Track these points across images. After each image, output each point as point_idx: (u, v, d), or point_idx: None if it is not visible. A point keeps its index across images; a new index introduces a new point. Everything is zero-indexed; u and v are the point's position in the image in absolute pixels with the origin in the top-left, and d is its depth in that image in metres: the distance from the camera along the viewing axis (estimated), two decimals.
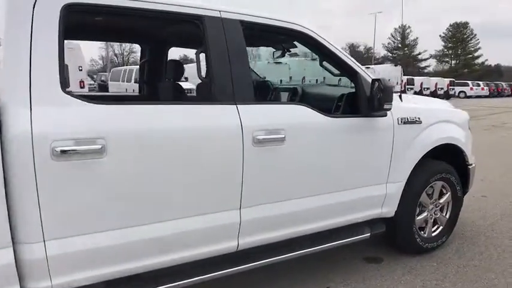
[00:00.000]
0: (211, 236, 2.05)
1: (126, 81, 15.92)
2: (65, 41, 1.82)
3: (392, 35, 68.62)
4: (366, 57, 63.56)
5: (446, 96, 31.45)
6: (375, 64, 34.40)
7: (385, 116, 2.59)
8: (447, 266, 2.91)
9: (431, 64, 68.94)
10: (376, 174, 2.64)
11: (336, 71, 2.69)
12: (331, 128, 2.36)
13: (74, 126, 1.64)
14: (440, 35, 68.18)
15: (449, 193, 3.13)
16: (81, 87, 11.83)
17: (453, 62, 68.19)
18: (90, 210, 1.69)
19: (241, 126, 2.02)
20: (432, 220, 3.11)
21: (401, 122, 2.68)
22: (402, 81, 25.72)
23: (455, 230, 3.52)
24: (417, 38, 67.35)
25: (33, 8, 1.60)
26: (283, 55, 3.11)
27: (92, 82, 23.61)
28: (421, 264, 2.92)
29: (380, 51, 69.30)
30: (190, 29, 2.11)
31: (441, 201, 3.12)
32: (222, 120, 1.99)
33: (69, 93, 1.69)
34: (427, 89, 29.36)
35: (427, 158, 2.97)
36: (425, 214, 3.04)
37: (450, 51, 68.32)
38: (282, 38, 2.88)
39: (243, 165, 2.04)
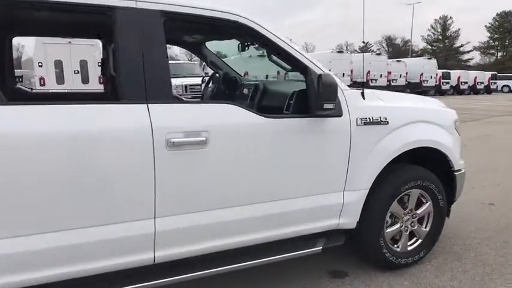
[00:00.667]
0: (123, 247, 1.88)
1: None
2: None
3: (432, 27, 65.49)
4: (403, 50, 61.08)
5: (488, 91, 29.51)
6: (413, 57, 32.70)
7: (340, 115, 2.30)
8: (419, 285, 2.57)
9: (475, 56, 65.09)
10: (329, 182, 2.35)
11: (288, 66, 2.42)
12: (268, 130, 2.10)
13: None
14: (485, 26, 64.06)
15: (429, 203, 2.77)
16: (100, 83, 12.05)
17: (499, 54, 63.92)
18: None
19: (151, 128, 1.81)
20: (408, 233, 2.76)
21: (362, 122, 2.37)
22: (437, 75, 24.40)
23: (444, 243, 3.16)
24: (459, 29, 63.89)
25: None
26: (242, 49, 2.85)
27: None
28: (388, 282, 2.60)
29: (419, 44, 66.42)
30: (102, 20, 1.92)
31: (419, 211, 2.77)
32: (125, 122, 1.79)
33: None
34: (465, 83, 27.63)
35: (400, 163, 2.64)
36: (397, 226, 2.70)
37: (496, 43, 64.04)
38: (218, 31, 2.63)
39: (155, 171, 1.84)
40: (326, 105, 2.06)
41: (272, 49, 2.31)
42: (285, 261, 2.33)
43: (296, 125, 2.18)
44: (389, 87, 21.64)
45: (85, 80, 11.84)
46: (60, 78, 11.44)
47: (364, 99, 2.44)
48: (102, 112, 1.78)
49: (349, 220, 2.46)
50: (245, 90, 3.10)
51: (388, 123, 2.46)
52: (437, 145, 2.69)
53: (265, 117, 2.11)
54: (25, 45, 14.34)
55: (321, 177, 2.31)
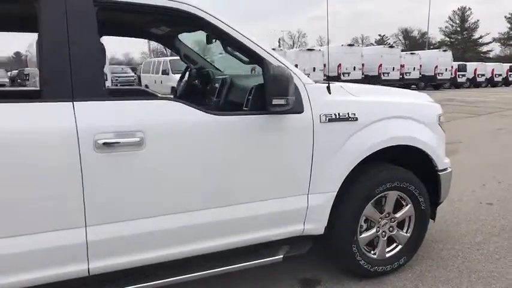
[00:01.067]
0: (53, 257, 1.73)
1: (155, 73, 16.08)
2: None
3: (450, 18, 63.58)
4: (420, 42, 59.58)
5: (506, 83, 28.50)
6: (430, 49, 31.72)
7: (301, 112, 2.10)
8: None
9: (494, 48, 62.92)
10: (290, 184, 2.15)
11: (245, 58, 2.22)
12: (217, 128, 1.92)
13: None
14: (505, 16, 61.81)
15: (409, 205, 2.54)
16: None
17: None
18: None
19: (76, 128, 1.66)
20: (386, 238, 2.54)
21: (326, 119, 2.16)
22: (452, 67, 23.64)
23: (430, 247, 2.93)
24: (478, 20, 61.80)
25: None
26: (208, 42, 2.66)
27: (132, 74, 24.31)
28: None
29: (436, 36, 64.67)
30: (25, 9, 1.77)
31: (398, 215, 2.54)
32: (47, 123, 1.63)
33: None
34: (482, 75, 26.67)
35: (375, 163, 2.43)
36: (373, 231, 2.48)
37: None
38: (168, 22, 2.45)
39: (82, 176, 1.68)
40: (275, 101, 1.86)
41: (225, 40, 2.12)
42: (252, 270, 2.16)
43: (250, 123, 1.99)
44: (402, 80, 21.09)
45: None
46: None
47: (330, 93, 2.22)
48: (21, 112, 1.63)
49: (316, 225, 2.26)
50: (216, 85, 2.92)
51: (357, 119, 2.24)
52: (416, 143, 2.45)
53: (214, 114, 1.93)
54: (33, 44, 14.44)
55: (280, 179, 2.11)
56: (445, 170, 2.65)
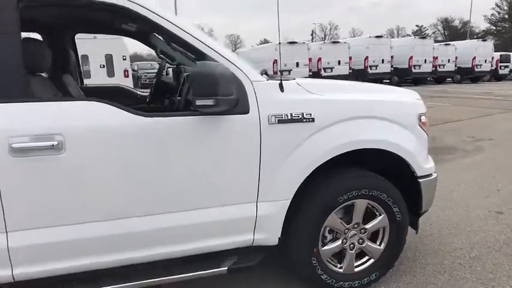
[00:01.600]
0: None
1: None
2: None
3: (497, 5, 59.52)
4: (461, 32, 56.46)
5: None
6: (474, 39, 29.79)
7: (246, 112, 1.90)
8: None
9: None
10: (233, 191, 1.96)
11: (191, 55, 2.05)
12: (147, 131, 1.76)
13: None
14: None
15: (382, 216, 2.28)
16: (126, 76, 12.29)
17: None
18: None
19: None
20: (354, 251, 2.30)
21: (276, 120, 1.94)
22: (493, 58, 22.11)
23: (415, 261, 2.65)
24: None
25: None
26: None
27: None
28: None
29: (480, 25, 60.96)
30: None
31: (369, 226, 2.29)
32: None
33: None
34: None
35: (345, 168, 2.19)
36: (338, 243, 2.25)
37: None
38: (103, 18, 2.31)
39: None
40: (200, 102, 1.68)
41: (165, 35, 1.98)
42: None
43: (181, 125, 1.82)
44: (435, 73, 20.01)
45: (110, 73, 12.12)
46: (86, 72, 11.78)
47: (282, 91, 2.01)
48: None
49: (268, 236, 2.06)
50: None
51: (313, 120, 2.01)
52: (387, 146, 2.18)
53: (142, 116, 1.78)
54: None
55: (223, 185, 1.92)
56: (427, 176, 2.36)
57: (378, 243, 2.34)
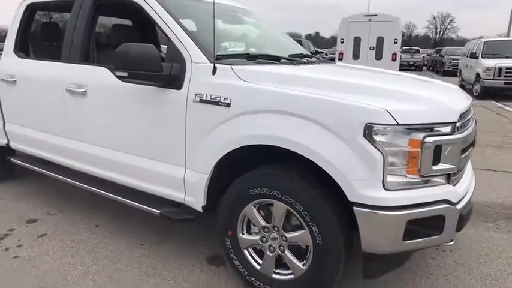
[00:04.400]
0: None
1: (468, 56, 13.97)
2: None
3: None
4: None
5: None
6: None
7: (180, 88, 2.24)
8: None
9: None
10: (168, 151, 2.35)
11: None
12: (121, 92, 2.48)
13: None
14: None
15: (306, 231, 1.97)
16: (393, 60, 12.15)
17: None
18: None
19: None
20: (273, 255, 2.13)
21: (198, 99, 2.15)
22: None
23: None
24: None
25: None
26: None
27: None
28: None
29: None
30: None
31: (289, 235, 2.04)
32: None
33: None
34: None
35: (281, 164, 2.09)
36: (256, 238, 2.16)
37: None
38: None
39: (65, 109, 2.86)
40: (117, 73, 2.20)
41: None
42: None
43: (135, 90, 2.39)
44: None
45: (378, 56, 12.35)
46: (355, 54, 12.60)
47: (213, 74, 2.14)
48: None
49: (194, 200, 2.33)
50: None
51: (228, 105, 2.04)
52: (292, 146, 1.88)
53: (122, 81, 2.39)
54: None
55: (159, 144, 2.38)
56: (369, 207, 1.76)
57: (302, 261, 2.05)
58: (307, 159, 1.85)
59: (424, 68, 28.12)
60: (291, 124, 1.89)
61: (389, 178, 1.76)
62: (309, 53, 3.23)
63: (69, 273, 2.41)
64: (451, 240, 2.05)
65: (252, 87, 2.04)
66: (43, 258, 2.58)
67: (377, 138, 1.72)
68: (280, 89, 1.97)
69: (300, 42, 16.72)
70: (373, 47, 12.30)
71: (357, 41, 12.41)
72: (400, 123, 1.72)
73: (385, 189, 1.76)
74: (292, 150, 1.88)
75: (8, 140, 3.50)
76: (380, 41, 12.19)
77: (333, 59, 13.05)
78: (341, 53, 12.58)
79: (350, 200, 1.80)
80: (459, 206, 1.91)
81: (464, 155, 2.01)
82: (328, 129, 1.81)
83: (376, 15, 12.58)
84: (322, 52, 26.05)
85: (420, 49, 29.31)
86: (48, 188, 3.76)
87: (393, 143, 1.74)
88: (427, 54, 29.70)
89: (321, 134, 1.82)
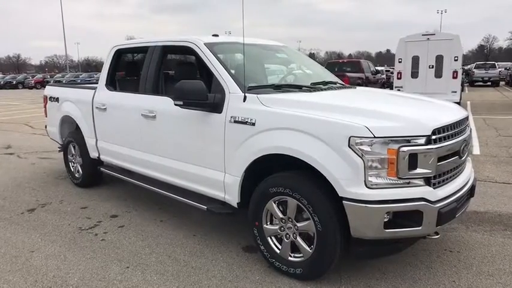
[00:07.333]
0: None
1: None
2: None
3: None
4: None
5: None
6: None
7: (220, 112, 2.97)
8: None
9: None
10: (211, 160, 3.07)
11: None
12: (179, 115, 3.27)
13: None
14: None
15: (310, 221, 2.53)
16: (454, 78, 11.91)
17: None
18: None
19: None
20: (289, 241, 2.70)
21: (232, 120, 2.85)
22: None
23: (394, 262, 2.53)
24: None
25: None
26: None
27: None
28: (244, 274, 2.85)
29: None
30: None
31: (299, 225, 2.61)
32: None
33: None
34: None
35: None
36: (276, 228, 2.76)
37: None
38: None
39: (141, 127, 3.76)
40: (176, 102, 2.98)
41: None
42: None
43: (189, 115, 3.17)
44: None
45: (438, 73, 12.19)
46: (415, 73, 12.55)
47: (244, 102, 2.84)
48: None
49: (231, 198, 3.00)
50: None
51: (254, 124, 2.71)
52: (292, 152, 2.50)
53: (180, 106, 3.23)
54: None
55: (205, 154, 3.11)
56: (355, 201, 2.28)
57: (310, 245, 2.59)
58: (307, 164, 2.44)
59: (502, 83, 26.28)
60: (295, 137, 2.50)
61: (370, 178, 2.27)
62: (334, 80, 3.79)
63: (139, 252, 3.20)
64: (436, 233, 2.46)
65: (269, 110, 2.71)
66: (121, 242, 3.41)
67: (358, 147, 2.26)
68: (289, 111, 2.61)
69: (358, 63, 17.06)
70: (432, 65, 12.19)
71: (415, 60, 12.41)
72: (376, 136, 2.24)
73: (367, 187, 2.27)
74: (295, 156, 2.49)
75: (99, 154, 4.52)
76: (439, 59, 12.06)
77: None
78: (399, 72, 12.66)
79: (340, 195, 2.34)
80: (438, 205, 2.33)
81: (444, 162, 2.43)
82: (322, 141, 2.39)
83: (434, 34, 12.52)
84: (388, 70, 25.70)
85: (496, 63, 27.51)
86: (126, 193, 4.72)
87: (372, 151, 2.25)
88: (505, 68, 27.65)
89: (316, 144, 2.41)
